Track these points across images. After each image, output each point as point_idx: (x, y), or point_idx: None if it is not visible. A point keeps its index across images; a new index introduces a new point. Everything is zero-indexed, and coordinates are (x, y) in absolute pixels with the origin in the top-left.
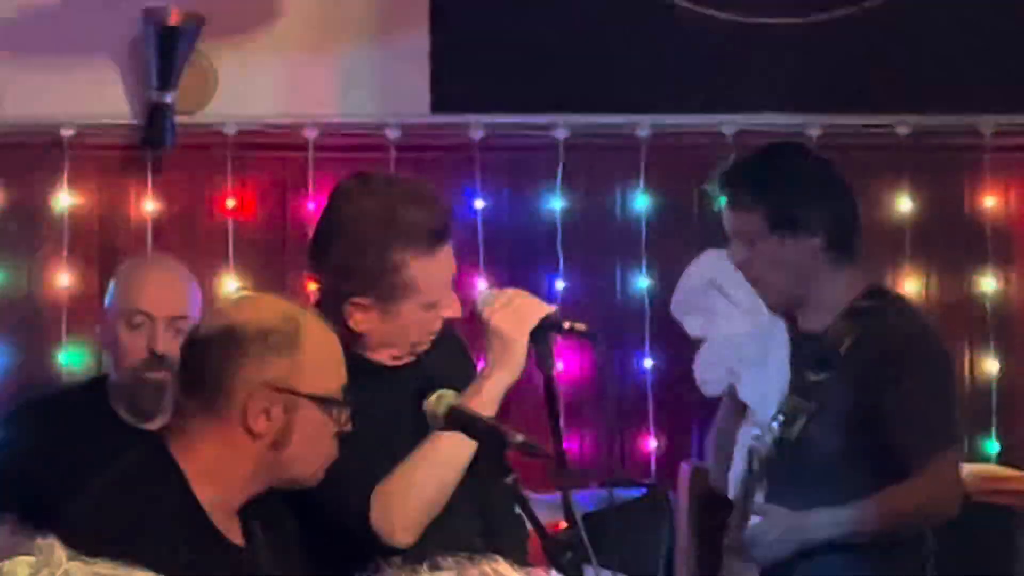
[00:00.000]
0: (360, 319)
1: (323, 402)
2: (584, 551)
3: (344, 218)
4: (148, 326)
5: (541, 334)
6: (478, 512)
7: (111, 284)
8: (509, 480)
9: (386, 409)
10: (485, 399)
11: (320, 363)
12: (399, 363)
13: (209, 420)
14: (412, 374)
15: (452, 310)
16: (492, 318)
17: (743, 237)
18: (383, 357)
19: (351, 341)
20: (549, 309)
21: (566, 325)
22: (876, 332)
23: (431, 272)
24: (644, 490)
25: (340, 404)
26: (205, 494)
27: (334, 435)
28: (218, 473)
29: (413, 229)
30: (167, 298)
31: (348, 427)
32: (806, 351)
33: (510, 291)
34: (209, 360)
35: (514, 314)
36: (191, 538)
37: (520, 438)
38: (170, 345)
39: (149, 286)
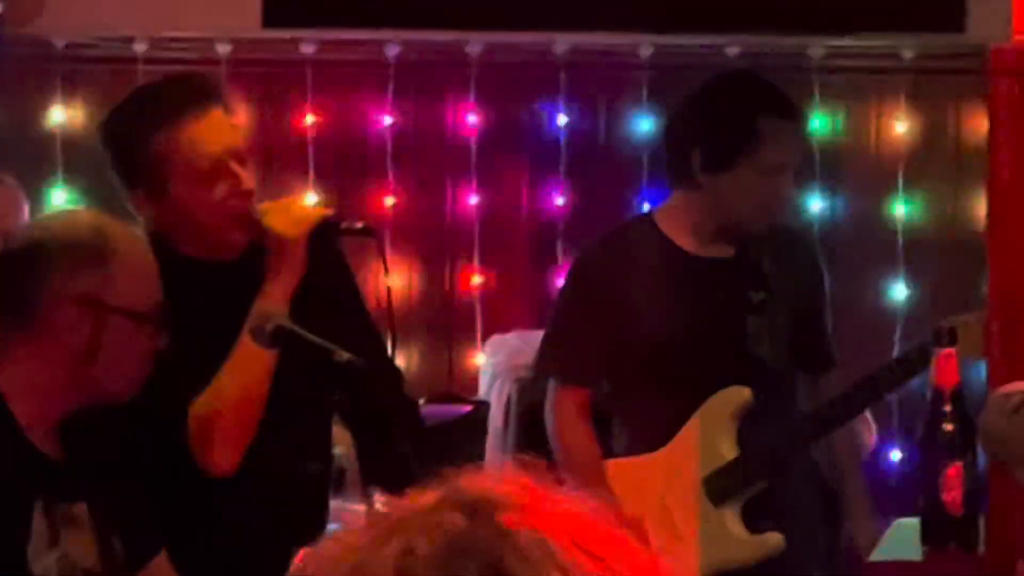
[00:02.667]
0: (143, 212)
1: (133, 317)
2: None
3: (108, 114)
4: None
5: (319, 236)
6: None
7: None
8: (336, 398)
9: (196, 307)
10: (276, 303)
11: (131, 278)
12: (219, 259)
13: (21, 335)
14: (233, 271)
15: (234, 184)
16: (270, 222)
17: (796, 164)
18: (196, 252)
19: (163, 237)
20: (325, 212)
21: (343, 225)
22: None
23: (184, 145)
24: (471, 407)
25: (152, 320)
26: (19, 409)
27: (146, 352)
28: (31, 388)
29: (151, 106)
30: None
31: (162, 346)
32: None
33: (287, 198)
34: (18, 275)
35: (290, 217)
36: (5, 453)
37: (346, 356)
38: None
39: None
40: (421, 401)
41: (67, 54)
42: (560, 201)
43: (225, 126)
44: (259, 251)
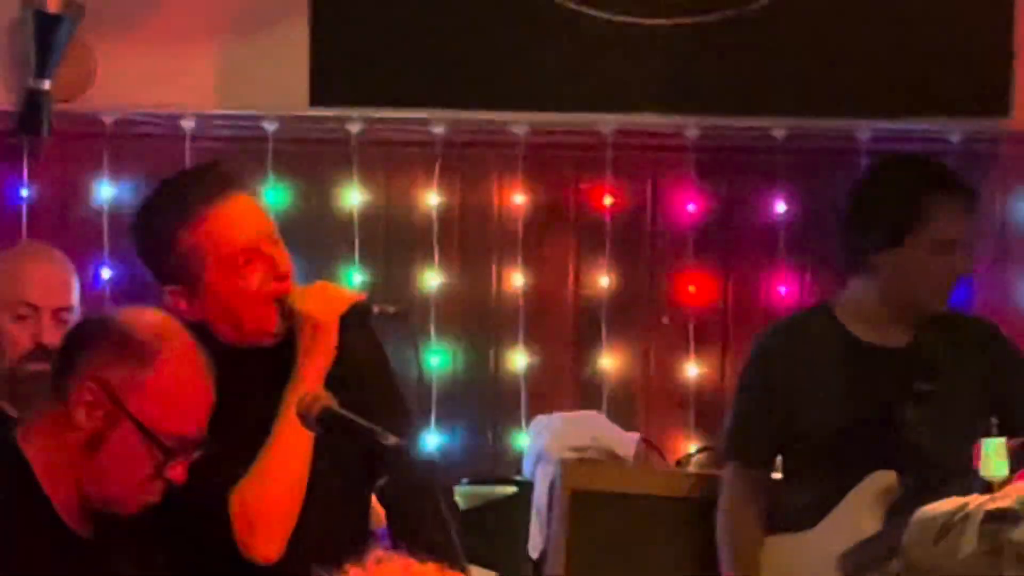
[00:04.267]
0: (179, 307)
1: (145, 434)
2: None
3: (136, 211)
4: (33, 318)
5: (353, 320)
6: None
7: None
8: (382, 482)
9: (235, 393)
10: (311, 386)
11: (166, 396)
12: (256, 344)
13: (51, 409)
14: (267, 357)
15: (268, 268)
16: (302, 306)
17: (968, 242)
18: (235, 339)
19: (201, 327)
20: (358, 296)
21: (376, 309)
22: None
23: (214, 235)
24: (515, 488)
25: (165, 449)
26: (47, 484)
27: (151, 476)
28: (52, 464)
29: (176, 200)
30: (53, 289)
31: (175, 478)
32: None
33: (319, 282)
34: (68, 350)
35: (322, 300)
36: (31, 530)
37: (393, 440)
38: (55, 336)
39: (34, 277)
40: (465, 481)
41: (115, 130)
42: (605, 282)
43: (253, 211)
44: (292, 334)
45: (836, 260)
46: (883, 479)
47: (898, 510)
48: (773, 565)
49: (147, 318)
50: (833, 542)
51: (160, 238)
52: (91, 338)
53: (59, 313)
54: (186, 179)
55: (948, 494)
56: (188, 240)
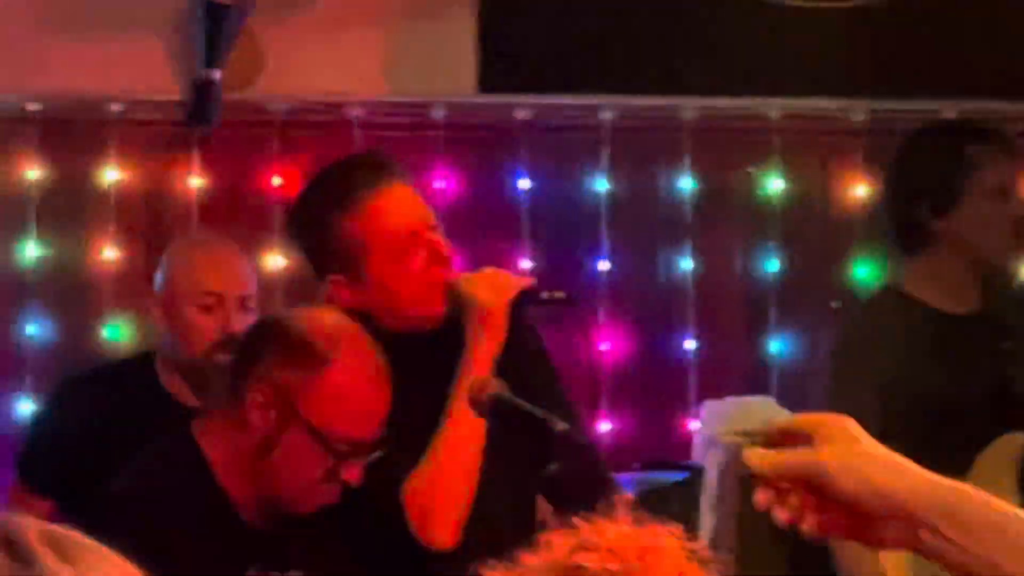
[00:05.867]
0: (341, 296)
1: (316, 437)
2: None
3: (294, 203)
4: (219, 306)
5: (521, 305)
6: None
7: (163, 264)
8: (553, 469)
9: (401, 382)
10: (484, 372)
11: (339, 400)
12: (419, 330)
13: (228, 408)
14: (432, 342)
15: (430, 254)
16: (472, 290)
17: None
18: (398, 326)
19: (364, 316)
20: (527, 281)
21: (544, 295)
22: None
23: (377, 222)
24: (686, 473)
25: (338, 452)
26: (229, 480)
27: (325, 478)
28: (228, 462)
29: (334, 190)
30: (235, 277)
31: (352, 480)
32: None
33: (487, 268)
34: (248, 350)
35: (492, 286)
36: (209, 521)
37: (562, 426)
38: (241, 324)
39: (216, 266)
40: (636, 466)
41: (284, 119)
42: (774, 267)
43: (412, 198)
44: (452, 320)
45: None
46: (1012, 442)
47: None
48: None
49: (324, 320)
50: None
51: (321, 228)
52: (266, 340)
53: (244, 300)
54: (344, 169)
55: None
56: (349, 229)
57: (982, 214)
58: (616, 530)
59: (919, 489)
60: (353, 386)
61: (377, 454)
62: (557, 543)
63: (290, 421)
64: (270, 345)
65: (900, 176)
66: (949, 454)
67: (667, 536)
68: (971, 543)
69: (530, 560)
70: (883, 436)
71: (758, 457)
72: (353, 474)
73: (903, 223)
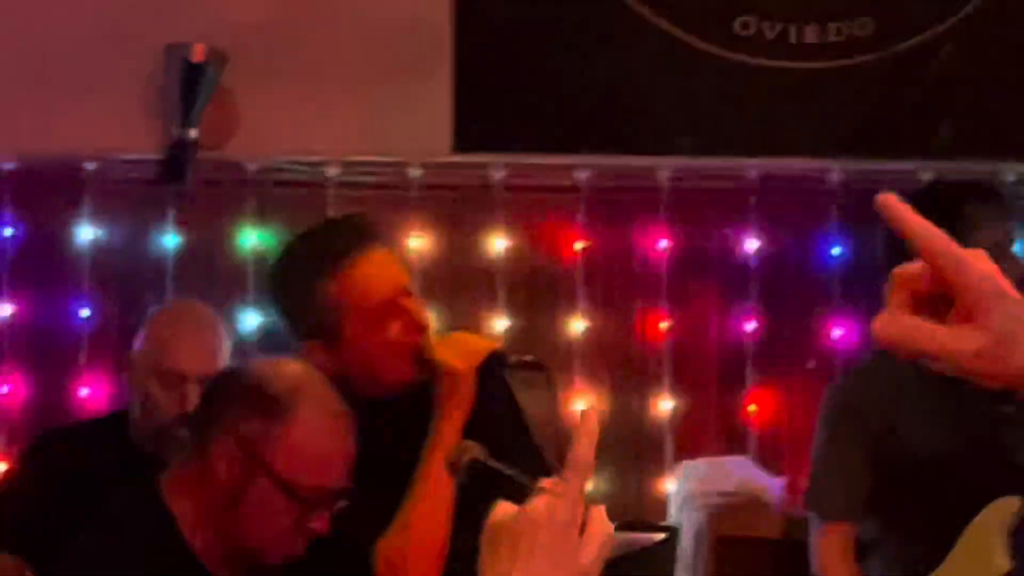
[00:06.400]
0: (317, 360)
1: (283, 488)
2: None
3: (273, 266)
4: (180, 385)
5: (490, 369)
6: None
7: (141, 331)
8: None
9: (373, 446)
10: (448, 442)
11: (303, 449)
12: (392, 396)
13: (193, 462)
14: (404, 408)
15: (407, 321)
16: (440, 356)
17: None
18: (372, 392)
19: (339, 382)
20: (495, 345)
21: (513, 359)
22: None
23: (351, 290)
24: (662, 534)
25: (307, 501)
26: (190, 534)
27: (294, 529)
28: (195, 516)
29: (315, 254)
30: (200, 358)
31: (319, 530)
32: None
33: (457, 332)
34: (210, 404)
35: (460, 351)
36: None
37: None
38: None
39: (182, 345)
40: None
41: (259, 178)
42: (750, 326)
43: (391, 263)
44: (423, 385)
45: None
46: (1007, 507)
47: (1020, 535)
48: None
49: (284, 370)
50: None
51: (300, 292)
52: (228, 392)
53: (205, 380)
54: (323, 233)
55: None
56: (328, 294)
57: None
58: None
59: None
60: (317, 433)
61: (343, 503)
62: None
63: (255, 472)
64: (232, 396)
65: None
66: (948, 518)
67: None
68: None
69: None
70: (876, 497)
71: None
72: (321, 523)
73: None
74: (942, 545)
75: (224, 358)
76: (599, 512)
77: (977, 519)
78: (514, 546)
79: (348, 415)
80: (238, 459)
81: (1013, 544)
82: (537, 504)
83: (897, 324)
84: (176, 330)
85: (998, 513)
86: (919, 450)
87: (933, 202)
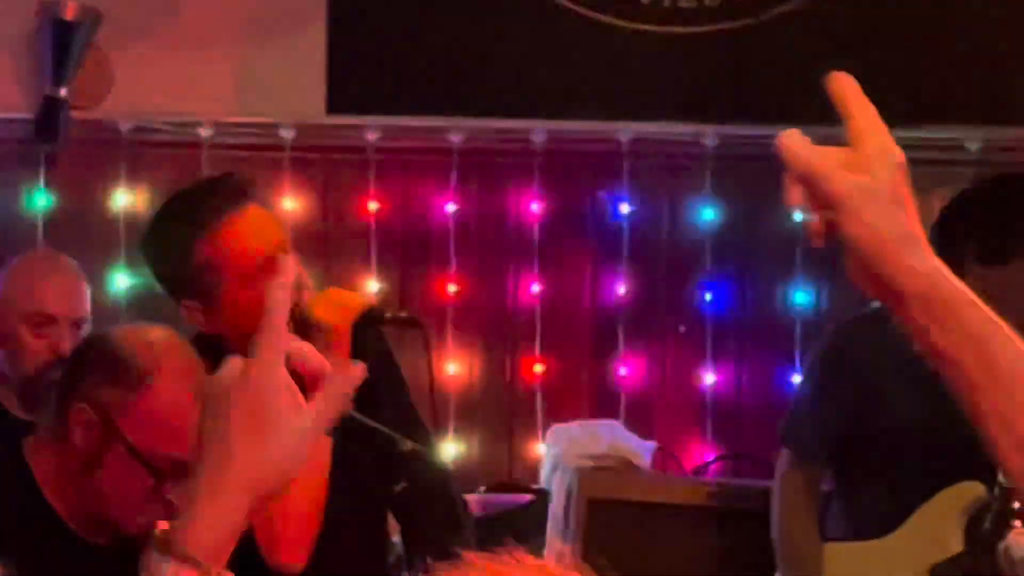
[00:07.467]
0: (196, 321)
1: (135, 456)
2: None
3: (147, 227)
4: (52, 328)
5: (364, 325)
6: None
7: (2, 281)
8: (398, 488)
9: None
10: None
11: (158, 419)
12: None
13: (53, 428)
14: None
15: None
16: (315, 312)
17: None
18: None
19: (215, 340)
20: (370, 300)
21: (388, 314)
22: None
23: (226, 249)
24: (531, 496)
25: (158, 472)
26: (53, 498)
27: (148, 497)
28: (57, 481)
29: (189, 214)
30: (69, 299)
31: (174, 500)
32: None
33: (331, 288)
34: (70, 370)
35: (334, 306)
36: (37, 538)
37: (410, 445)
38: (71, 346)
39: (52, 287)
40: (482, 489)
41: (132, 138)
42: (622, 290)
43: (267, 221)
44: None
45: None
46: (970, 490)
47: (978, 520)
48: (836, 575)
49: (145, 338)
50: (912, 555)
51: (175, 252)
52: (89, 358)
53: (78, 323)
54: (199, 192)
55: None
56: (204, 253)
57: (1021, 281)
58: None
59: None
60: (174, 405)
61: None
62: None
63: (111, 439)
64: (92, 363)
65: (960, 213)
66: (911, 487)
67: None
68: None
69: None
70: (842, 454)
71: (796, 138)
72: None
73: (941, 247)
74: (905, 510)
75: (88, 306)
76: (337, 371)
77: (938, 497)
78: (212, 411)
79: None
80: (95, 426)
81: (969, 528)
82: (231, 367)
83: (802, 140)
84: (43, 275)
85: (960, 496)
86: (902, 414)
87: (1005, 204)
